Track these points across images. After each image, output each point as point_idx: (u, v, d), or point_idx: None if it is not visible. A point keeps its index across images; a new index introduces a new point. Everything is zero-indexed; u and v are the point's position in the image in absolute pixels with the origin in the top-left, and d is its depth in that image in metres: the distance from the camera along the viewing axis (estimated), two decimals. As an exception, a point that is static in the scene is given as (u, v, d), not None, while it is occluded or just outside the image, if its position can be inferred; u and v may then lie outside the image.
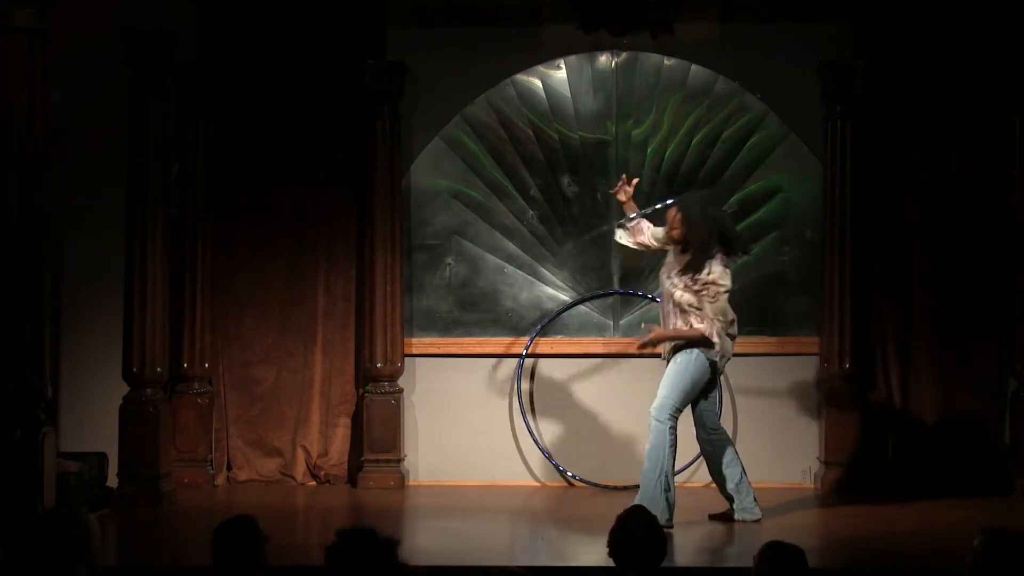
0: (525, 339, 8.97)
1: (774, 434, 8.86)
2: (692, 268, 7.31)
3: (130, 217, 8.12)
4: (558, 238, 9.07)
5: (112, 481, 8.20)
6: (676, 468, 7.46)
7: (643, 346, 7.49)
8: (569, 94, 9.05)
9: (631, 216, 7.79)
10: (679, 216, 7.42)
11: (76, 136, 8.44)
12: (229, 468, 9.02)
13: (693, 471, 8.46)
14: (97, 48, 8.25)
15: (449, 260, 9.12)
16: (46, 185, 7.04)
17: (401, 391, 8.92)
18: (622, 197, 7.81)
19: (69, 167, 8.35)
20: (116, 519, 7.74)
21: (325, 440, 8.99)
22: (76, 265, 8.75)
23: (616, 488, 8.55)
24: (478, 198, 9.10)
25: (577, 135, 9.04)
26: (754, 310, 8.89)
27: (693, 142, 8.98)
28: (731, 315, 7.37)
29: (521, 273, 9.10)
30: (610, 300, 9.04)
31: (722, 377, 8.81)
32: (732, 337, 7.42)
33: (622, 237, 7.87)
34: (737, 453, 7.60)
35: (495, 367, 9.00)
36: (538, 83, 9.07)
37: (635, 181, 7.87)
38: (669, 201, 7.80)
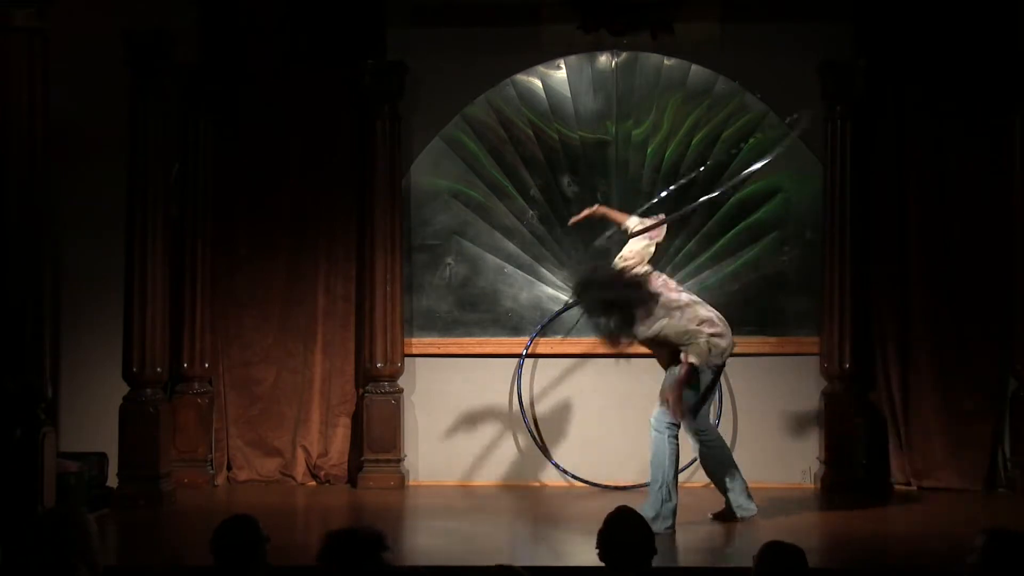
0: (525, 339, 8.97)
1: (774, 434, 8.86)
2: (645, 314, 7.33)
3: (130, 217, 8.12)
4: (558, 238, 9.07)
5: (112, 481, 8.20)
6: (679, 466, 7.50)
7: None
8: (569, 94, 9.05)
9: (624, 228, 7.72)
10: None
11: (76, 136, 8.44)
12: (229, 468, 9.02)
13: (693, 471, 8.44)
14: (97, 48, 8.25)
15: (449, 260, 9.12)
16: (46, 185, 7.04)
17: (401, 391, 8.92)
18: (599, 214, 7.76)
19: (69, 167, 8.35)
20: (116, 519, 7.74)
21: (325, 440, 9.00)
22: (76, 265, 8.75)
23: (616, 488, 8.55)
24: (478, 198, 9.10)
25: (577, 135, 9.04)
26: (754, 310, 8.91)
27: (693, 142, 8.98)
28: (697, 319, 7.29)
29: (521, 273, 9.10)
30: (610, 300, 9.03)
31: (722, 378, 8.84)
32: (719, 335, 7.34)
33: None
34: (730, 452, 7.60)
35: (495, 367, 9.02)
36: (538, 83, 9.08)
37: (587, 213, 7.79)
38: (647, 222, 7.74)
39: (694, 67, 8.98)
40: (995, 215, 8.66)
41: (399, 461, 8.85)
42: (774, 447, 8.84)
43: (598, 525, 7.15)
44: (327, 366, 9.02)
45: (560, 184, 9.07)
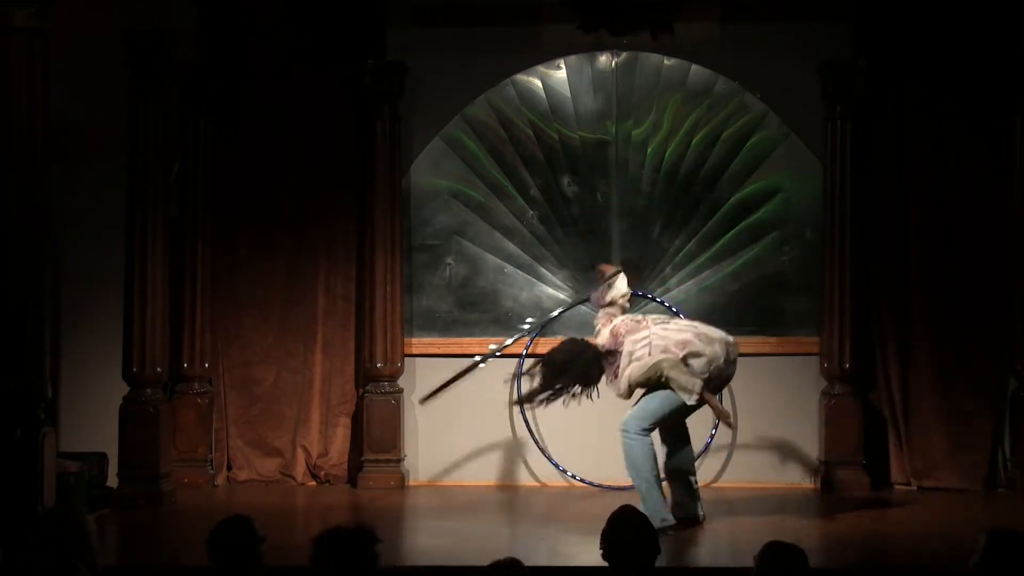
0: (525, 339, 8.97)
1: (774, 434, 8.86)
2: (614, 374, 7.41)
3: (130, 217, 8.12)
4: (558, 238, 9.07)
5: (112, 481, 8.20)
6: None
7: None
8: (569, 94, 9.05)
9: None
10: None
11: (76, 136, 8.44)
12: (229, 468, 9.02)
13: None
14: (97, 48, 8.25)
15: (449, 260, 9.12)
16: (46, 185, 7.04)
17: (401, 391, 8.92)
18: None
19: (69, 167, 8.35)
20: (116, 519, 7.74)
21: (325, 440, 8.99)
22: (76, 265, 8.75)
23: (616, 488, 8.54)
24: (478, 198, 9.10)
25: (577, 135, 9.04)
26: (754, 310, 8.91)
27: (693, 142, 8.98)
28: (663, 347, 7.24)
29: (521, 273, 9.10)
30: (610, 300, 9.03)
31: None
32: (695, 353, 7.27)
33: None
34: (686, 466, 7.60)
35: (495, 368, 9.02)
36: (538, 83, 9.07)
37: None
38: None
39: (694, 67, 8.98)
40: (995, 215, 8.66)
41: (399, 461, 8.85)
42: (774, 447, 8.84)
43: (598, 525, 7.14)
44: (327, 366, 9.02)
45: (560, 184, 9.06)
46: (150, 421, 8.07)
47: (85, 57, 8.29)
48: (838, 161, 8.61)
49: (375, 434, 8.80)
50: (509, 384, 8.98)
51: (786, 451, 8.84)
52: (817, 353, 8.76)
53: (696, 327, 7.43)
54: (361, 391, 8.93)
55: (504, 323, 9.06)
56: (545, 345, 8.97)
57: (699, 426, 8.40)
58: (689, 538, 7.17)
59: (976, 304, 8.65)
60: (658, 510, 7.06)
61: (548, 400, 7.59)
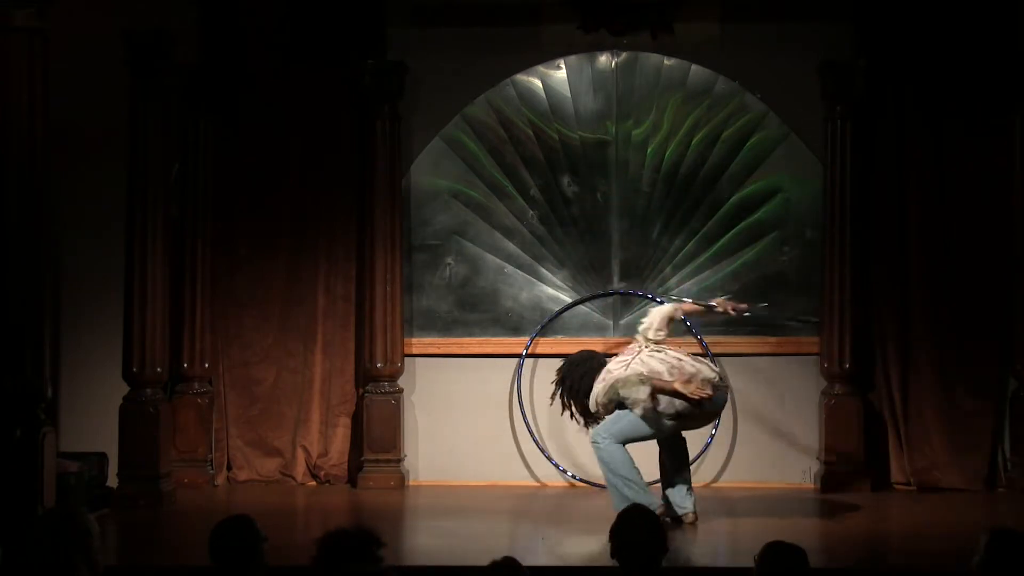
0: (525, 339, 8.97)
1: (774, 434, 8.86)
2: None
3: (130, 217, 8.12)
4: (558, 238, 9.07)
5: (112, 481, 8.20)
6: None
7: None
8: (569, 94, 9.05)
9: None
10: None
11: (76, 136, 8.44)
12: (229, 468, 9.01)
13: (694, 470, 8.42)
14: (97, 48, 8.25)
15: (449, 260, 9.12)
16: (46, 185, 7.03)
17: (401, 391, 8.92)
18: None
19: (69, 167, 8.35)
20: (116, 519, 7.73)
21: (325, 440, 8.99)
22: (76, 265, 8.75)
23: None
24: (478, 198, 9.09)
25: (577, 135, 9.04)
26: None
27: (693, 142, 8.98)
28: (636, 372, 7.27)
29: (521, 273, 9.10)
30: (610, 300, 9.04)
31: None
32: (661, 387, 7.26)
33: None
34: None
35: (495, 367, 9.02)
36: (538, 83, 9.07)
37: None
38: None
39: (694, 67, 8.98)
40: (995, 215, 8.66)
41: (399, 461, 8.85)
42: (774, 447, 8.84)
43: (598, 525, 7.13)
44: (327, 366, 9.01)
45: (560, 184, 9.06)
46: (150, 421, 8.07)
47: (85, 57, 8.28)
48: (838, 161, 8.61)
49: (375, 434, 8.80)
50: (510, 384, 9.00)
51: (786, 451, 8.84)
52: (817, 353, 8.76)
53: (683, 361, 7.34)
54: (361, 391, 8.92)
55: (504, 323, 9.06)
56: (545, 345, 9.00)
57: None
58: (689, 538, 7.17)
59: (976, 304, 8.65)
60: (645, 503, 7.09)
61: (552, 396, 7.72)
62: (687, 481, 7.52)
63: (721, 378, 7.47)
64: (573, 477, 8.83)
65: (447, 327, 9.09)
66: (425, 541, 7.26)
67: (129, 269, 8.12)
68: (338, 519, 7.93)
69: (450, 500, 8.45)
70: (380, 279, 8.80)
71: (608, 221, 9.02)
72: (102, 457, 8.30)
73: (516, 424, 8.99)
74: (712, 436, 8.68)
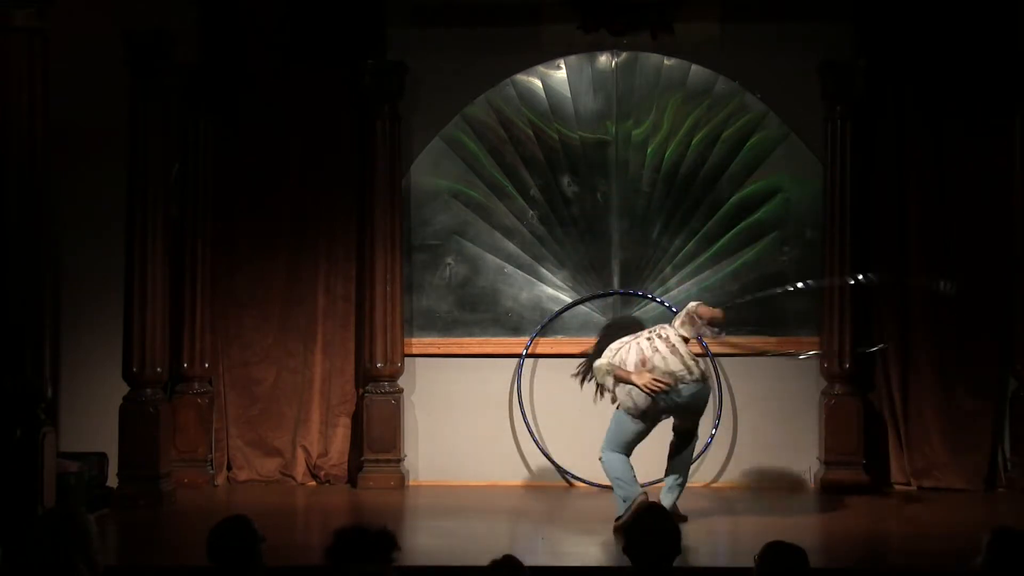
0: (525, 339, 8.97)
1: (774, 434, 8.86)
2: None
3: (130, 217, 8.12)
4: (558, 238, 9.07)
5: (112, 481, 8.20)
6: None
7: None
8: (569, 94, 9.05)
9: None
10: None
11: (76, 136, 8.44)
12: (229, 468, 9.01)
13: (694, 470, 8.42)
14: (97, 48, 8.25)
15: (449, 260, 9.12)
16: (46, 185, 7.03)
17: (401, 391, 8.92)
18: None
19: (69, 167, 8.35)
20: (116, 519, 7.74)
21: (325, 440, 8.99)
22: (76, 265, 8.75)
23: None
24: (478, 198, 9.09)
25: (577, 135, 9.04)
26: (754, 310, 8.89)
27: (693, 142, 8.98)
28: (622, 361, 7.36)
29: (521, 273, 9.10)
30: (610, 300, 9.04)
31: (722, 377, 8.85)
32: (627, 377, 7.33)
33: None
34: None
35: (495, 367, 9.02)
36: (538, 83, 9.07)
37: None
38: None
39: (694, 67, 8.98)
40: (995, 215, 8.66)
41: (399, 461, 8.85)
42: (774, 447, 8.84)
43: (598, 525, 7.15)
44: (327, 366, 9.02)
45: (560, 184, 9.06)
46: (150, 421, 8.07)
47: (85, 57, 8.28)
48: (838, 161, 8.61)
49: (375, 434, 8.80)
50: (510, 384, 9.00)
51: (786, 451, 8.83)
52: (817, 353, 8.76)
53: (658, 353, 7.32)
54: (361, 391, 8.93)
55: (504, 323, 9.07)
56: (545, 345, 9.00)
57: (700, 425, 8.40)
58: (689, 538, 7.16)
59: (976, 304, 8.64)
60: (628, 495, 7.18)
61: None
62: (677, 480, 7.46)
63: (696, 375, 7.37)
64: (573, 477, 8.83)
65: (447, 327, 9.10)
66: (425, 541, 7.26)
67: (129, 269, 8.12)
68: (338, 519, 7.93)
69: (450, 500, 8.45)
70: (380, 279, 8.80)
71: (608, 221, 9.02)
72: (102, 457, 8.30)
73: (516, 424, 8.99)
74: (712, 436, 8.69)
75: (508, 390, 9.00)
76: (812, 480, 8.75)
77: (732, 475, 8.85)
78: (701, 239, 8.98)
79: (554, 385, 8.96)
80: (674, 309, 8.78)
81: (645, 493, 7.27)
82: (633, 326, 7.69)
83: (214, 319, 8.97)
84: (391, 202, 8.81)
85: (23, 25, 6.89)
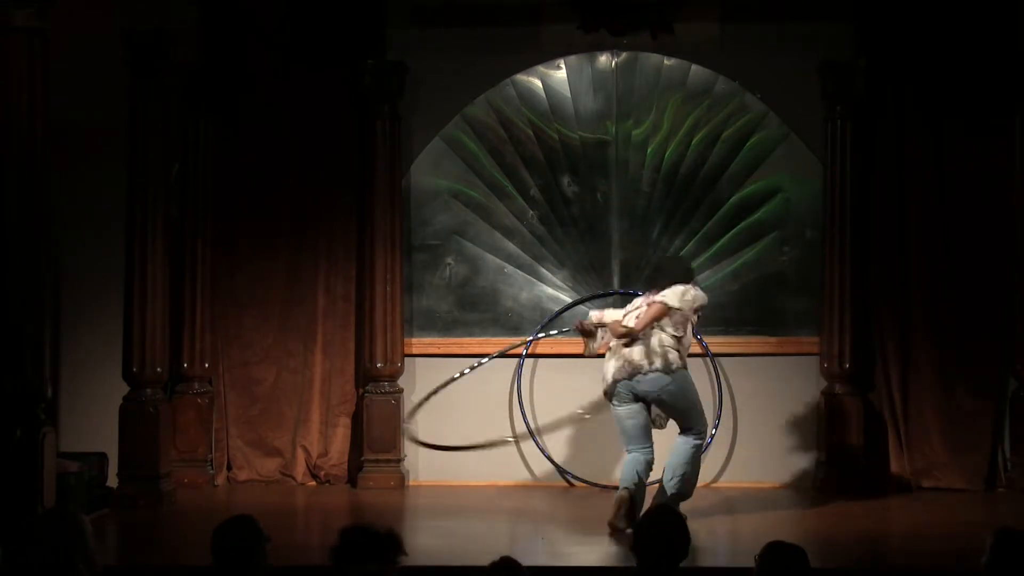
0: (525, 339, 8.96)
1: (774, 434, 8.86)
2: None
3: (130, 217, 8.13)
4: (558, 238, 9.07)
5: (112, 481, 8.20)
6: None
7: None
8: (569, 94, 9.05)
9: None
10: None
11: (76, 136, 8.44)
12: (229, 468, 9.01)
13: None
14: (97, 48, 8.25)
15: (449, 260, 9.12)
16: (46, 185, 7.03)
17: (401, 391, 8.92)
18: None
19: (69, 167, 8.35)
20: (116, 519, 7.74)
21: (325, 440, 8.99)
22: (76, 265, 8.75)
23: (616, 488, 8.53)
24: (478, 198, 9.10)
25: (577, 135, 9.04)
26: (754, 310, 8.91)
27: (693, 142, 8.98)
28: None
29: (521, 273, 9.10)
30: (610, 300, 9.02)
31: (722, 376, 8.85)
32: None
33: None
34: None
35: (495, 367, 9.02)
36: (538, 83, 9.07)
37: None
38: None
39: (694, 67, 8.98)
40: (995, 215, 8.66)
41: (399, 461, 8.85)
42: (774, 447, 8.84)
43: (598, 525, 7.15)
44: (327, 366, 9.01)
45: (560, 184, 9.06)
46: (150, 421, 8.07)
47: (85, 57, 8.28)
48: (838, 161, 8.61)
49: (375, 434, 8.80)
50: (509, 384, 8.99)
51: (786, 451, 8.83)
52: (817, 353, 8.76)
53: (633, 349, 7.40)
54: (361, 391, 8.92)
55: (504, 323, 9.06)
56: (545, 345, 8.99)
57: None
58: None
59: (976, 304, 8.65)
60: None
61: None
62: (669, 478, 7.38)
63: (658, 366, 7.30)
64: (573, 477, 8.83)
65: (447, 327, 9.09)
66: (425, 541, 7.26)
67: (129, 269, 8.12)
68: (338, 519, 7.93)
69: (450, 500, 8.45)
70: (380, 279, 8.80)
71: (608, 221, 9.02)
72: (102, 457, 8.30)
73: (516, 424, 8.98)
74: (712, 436, 8.68)
75: (508, 390, 9.00)
76: (812, 480, 8.69)
77: (732, 475, 8.85)
78: (701, 239, 8.98)
79: (554, 385, 8.98)
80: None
81: (627, 490, 7.27)
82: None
83: (214, 319, 8.97)
84: (391, 202, 8.81)
85: (23, 25, 6.89)
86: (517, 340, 8.95)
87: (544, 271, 9.09)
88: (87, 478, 7.86)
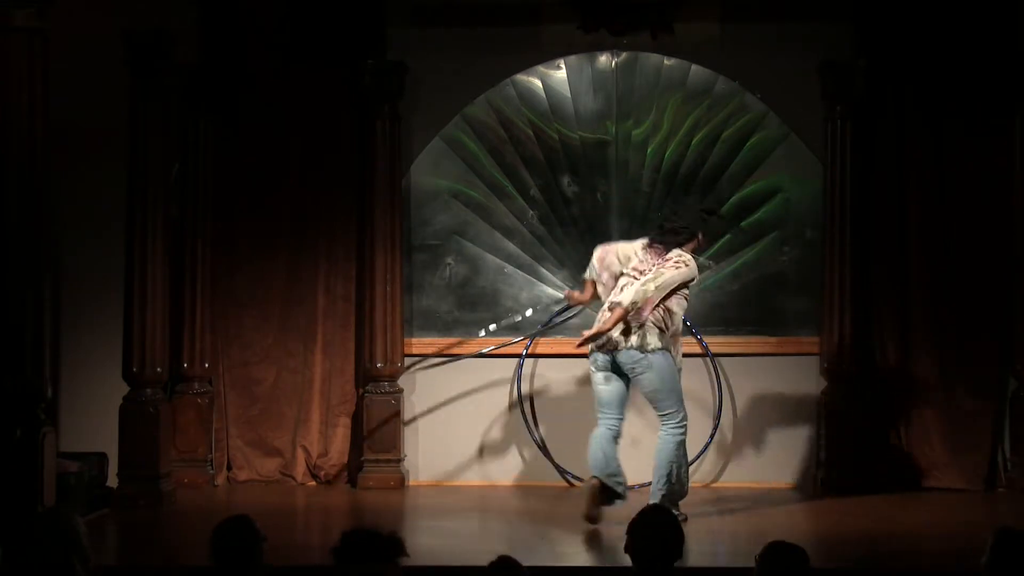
0: (525, 339, 8.97)
1: (774, 434, 8.86)
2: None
3: (130, 217, 8.12)
4: (558, 238, 9.07)
5: (112, 481, 8.20)
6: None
7: None
8: (569, 94, 9.05)
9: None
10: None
11: (76, 136, 8.44)
12: (229, 468, 9.01)
13: (694, 470, 8.43)
14: (97, 48, 8.25)
15: (449, 260, 9.12)
16: (46, 185, 7.03)
17: (401, 391, 8.92)
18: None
19: (69, 167, 8.35)
20: (116, 519, 7.74)
21: (325, 440, 8.99)
22: (76, 265, 8.75)
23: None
24: (478, 198, 9.09)
25: (577, 135, 9.04)
26: (754, 310, 8.90)
27: (693, 142, 8.98)
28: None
29: (521, 273, 9.10)
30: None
31: (722, 376, 8.85)
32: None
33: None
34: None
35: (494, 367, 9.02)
36: (538, 83, 9.07)
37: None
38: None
39: (694, 67, 8.98)
40: (995, 215, 8.66)
41: (399, 461, 8.85)
42: (774, 447, 8.84)
43: (598, 525, 7.15)
44: (327, 366, 9.01)
45: (560, 184, 9.06)
46: (150, 421, 8.07)
47: (85, 57, 8.28)
48: (838, 161, 8.61)
49: (375, 434, 8.80)
50: (510, 384, 8.99)
51: (786, 451, 8.83)
52: (817, 353, 8.76)
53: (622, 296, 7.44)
54: (361, 391, 8.92)
55: (504, 323, 9.05)
56: (545, 345, 8.99)
57: (699, 425, 8.42)
58: (689, 538, 7.15)
59: (976, 304, 8.65)
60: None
61: None
62: (658, 480, 7.39)
63: (632, 343, 7.32)
64: (573, 477, 8.82)
65: (447, 327, 9.09)
66: (425, 541, 7.26)
67: (129, 269, 8.12)
68: (338, 519, 7.94)
69: (450, 500, 8.45)
70: (380, 279, 8.80)
71: (608, 221, 9.02)
72: (102, 457, 8.30)
73: (516, 424, 8.98)
74: (712, 436, 8.69)
75: (508, 390, 9.00)
76: (812, 480, 8.70)
77: (732, 475, 8.85)
78: (701, 239, 8.98)
79: (554, 385, 8.97)
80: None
81: (596, 479, 7.27)
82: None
83: (214, 319, 8.97)
84: (391, 202, 8.81)
85: (23, 25, 6.88)
86: (516, 337, 8.94)
87: (544, 271, 9.08)
88: (87, 478, 7.87)
